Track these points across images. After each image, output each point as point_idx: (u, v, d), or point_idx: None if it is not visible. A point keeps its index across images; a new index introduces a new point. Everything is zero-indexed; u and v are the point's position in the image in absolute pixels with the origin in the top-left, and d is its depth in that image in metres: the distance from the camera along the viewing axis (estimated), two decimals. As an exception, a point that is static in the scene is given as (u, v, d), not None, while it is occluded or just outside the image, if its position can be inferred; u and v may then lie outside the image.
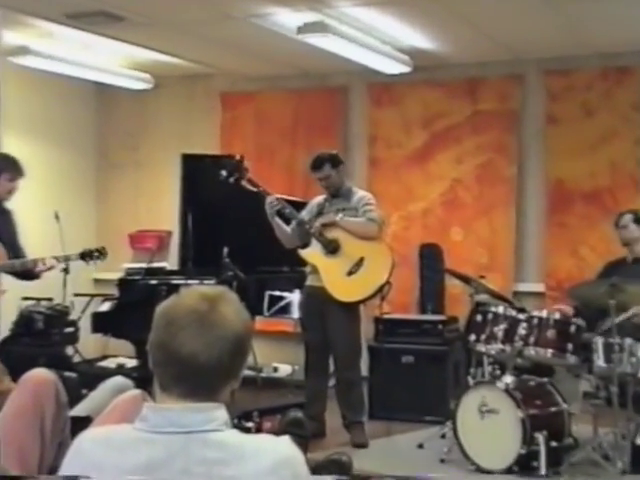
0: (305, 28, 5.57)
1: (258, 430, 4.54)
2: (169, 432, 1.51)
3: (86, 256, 5.00)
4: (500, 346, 4.62)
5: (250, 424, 4.56)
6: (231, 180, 5.02)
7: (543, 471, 4.25)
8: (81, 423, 2.69)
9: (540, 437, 4.27)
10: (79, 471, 1.55)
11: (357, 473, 4.05)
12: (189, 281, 5.29)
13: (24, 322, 6.09)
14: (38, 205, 6.82)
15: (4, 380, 3.12)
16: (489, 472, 4.40)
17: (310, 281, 5.14)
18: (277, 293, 5.68)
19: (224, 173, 5.03)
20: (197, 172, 5.96)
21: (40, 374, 2.73)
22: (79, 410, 3.07)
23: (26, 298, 6.27)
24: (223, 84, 7.57)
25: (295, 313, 5.64)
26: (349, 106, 7.26)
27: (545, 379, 4.70)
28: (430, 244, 6.80)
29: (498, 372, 4.73)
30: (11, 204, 5.02)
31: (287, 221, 5.14)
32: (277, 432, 4.07)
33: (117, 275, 6.22)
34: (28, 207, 6.00)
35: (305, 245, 5.12)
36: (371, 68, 6.57)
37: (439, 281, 6.69)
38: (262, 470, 1.49)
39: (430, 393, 5.61)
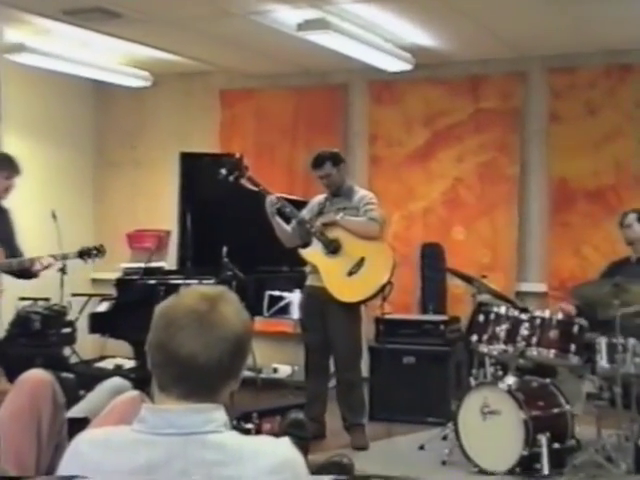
0: (305, 25, 5.55)
1: (257, 432, 4.52)
2: (168, 434, 1.50)
3: (84, 254, 4.98)
4: (502, 347, 4.61)
5: (249, 425, 4.53)
6: (231, 178, 5.01)
7: (546, 472, 4.23)
8: (78, 425, 2.64)
9: (543, 439, 4.26)
10: (76, 473, 1.53)
11: (358, 474, 4.04)
12: (188, 281, 5.28)
13: (21, 322, 6.08)
14: (35, 203, 6.82)
15: (0, 381, 3.10)
16: (491, 474, 4.39)
17: (310, 281, 5.12)
18: (277, 293, 5.67)
19: (224, 171, 5.02)
20: (196, 171, 5.95)
21: (37, 375, 2.71)
22: (76, 411, 3.06)
23: (23, 298, 6.27)
24: (222, 81, 7.55)
25: (295, 313, 5.62)
26: (350, 104, 7.24)
27: (548, 380, 4.70)
28: (431, 244, 6.79)
29: (500, 373, 4.74)
30: (8, 202, 4.99)
31: (287, 220, 5.13)
32: (277, 434, 4.10)
33: (115, 275, 6.21)
34: (25, 206, 6.00)
35: (305, 244, 5.10)
36: (372, 66, 6.55)
37: (441, 281, 6.68)
38: (261, 472, 1.47)
39: (431, 394, 5.60)
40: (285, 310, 5.68)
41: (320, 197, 5.22)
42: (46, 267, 4.78)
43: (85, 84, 7.63)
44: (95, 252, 5.02)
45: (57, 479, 1.59)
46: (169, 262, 6.80)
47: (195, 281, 5.14)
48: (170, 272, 6.04)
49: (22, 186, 5.05)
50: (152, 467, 1.49)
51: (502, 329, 4.62)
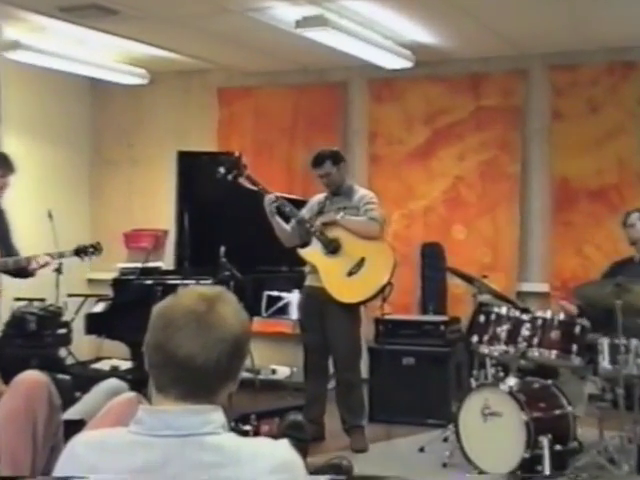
0: (304, 22, 5.52)
1: (256, 433, 4.56)
2: (165, 435, 1.50)
3: (80, 252, 4.95)
4: (503, 347, 4.58)
5: (248, 427, 4.59)
6: (229, 177, 5.01)
7: (547, 474, 4.21)
8: (74, 426, 2.65)
9: (544, 440, 4.22)
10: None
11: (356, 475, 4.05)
12: (185, 281, 5.25)
13: (16, 323, 6.08)
14: (31, 202, 6.81)
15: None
16: (493, 476, 4.37)
17: (309, 281, 5.10)
18: (275, 293, 5.65)
19: (222, 170, 5.01)
20: (194, 169, 5.92)
21: (32, 376, 2.73)
22: (72, 413, 3.08)
23: (18, 299, 6.26)
24: (220, 79, 7.53)
25: (294, 314, 5.59)
26: (349, 102, 7.22)
27: (549, 381, 4.67)
28: (432, 243, 6.76)
29: (501, 374, 4.72)
30: (3, 202, 4.95)
31: (287, 219, 5.11)
32: (276, 435, 4.14)
33: (111, 275, 6.19)
34: (21, 204, 5.99)
35: (305, 244, 5.09)
36: (371, 63, 6.53)
37: (441, 281, 6.66)
38: (260, 474, 1.47)
39: (432, 395, 5.57)
40: (284, 310, 5.66)
41: (320, 196, 5.20)
42: (43, 266, 4.75)
43: (81, 82, 7.61)
44: (92, 250, 4.99)
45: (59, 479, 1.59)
46: (166, 262, 6.78)
47: (192, 281, 5.11)
48: (167, 272, 6.03)
49: (18, 184, 5.03)
50: (149, 469, 1.48)
51: (503, 330, 4.59)
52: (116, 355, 6.65)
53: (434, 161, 6.87)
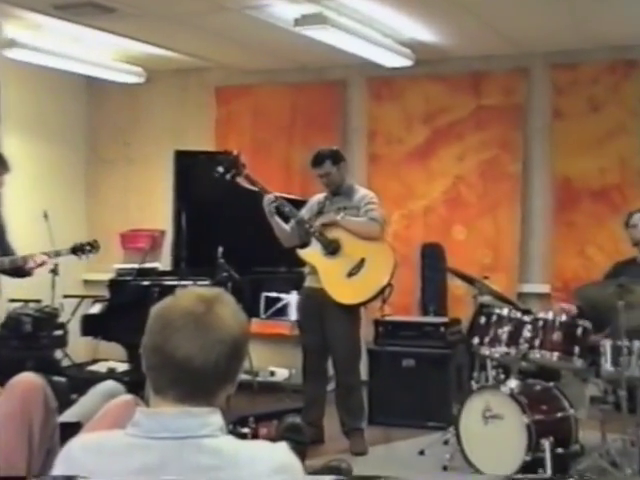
0: (303, 20, 5.50)
1: (254, 436, 4.58)
2: (163, 437, 1.50)
3: (77, 250, 4.93)
4: (504, 349, 4.57)
5: (246, 430, 4.62)
6: (228, 177, 5.00)
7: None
8: (71, 429, 2.65)
9: (546, 443, 4.21)
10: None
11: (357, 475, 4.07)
12: (182, 282, 5.23)
13: (12, 325, 6.06)
14: (27, 201, 6.79)
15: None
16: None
17: (309, 282, 5.09)
18: (274, 294, 5.66)
19: (220, 169, 4.99)
20: (191, 169, 5.90)
21: (28, 379, 2.74)
22: (69, 416, 3.07)
23: (14, 300, 6.22)
24: (218, 78, 7.50)
25: (292, 315, 5.59)
26: (348, 100, 7.19)
27: (551, 383, 4.66)
28: (432, 243, 6.74)
29: (502, 376, 4.70)
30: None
31: (286, 220, 5.09)
32: (274, 438, 4.17)
33: (108, 276, 6.19)
34: (16, 203, 5.95)
35: (304, 245, 5.07)
36: (371, 61, 6.51)
37: (441, 282, 6.63)
38: (258, 477, 1.46)
39: (432, 398, 5.56)
40: (282, 312, 5.66)
41: (320, 196, 5.17)
42: (40, 265, 4.73)
43: (77, 80, 7.58)
44: (89, 247, 4.96)
45: (59, 479, 1.58)
46: (163, 263, 6.77)
47: (190, 282, 5.09)
48: (164, 273, 6.01)
49: (13, 183, 4.99)
50: (147, 471, 1.47)
51: (504, 331, 4.58)
52: (113, 357, 6.62)
53: (434, 160, 6.85)
